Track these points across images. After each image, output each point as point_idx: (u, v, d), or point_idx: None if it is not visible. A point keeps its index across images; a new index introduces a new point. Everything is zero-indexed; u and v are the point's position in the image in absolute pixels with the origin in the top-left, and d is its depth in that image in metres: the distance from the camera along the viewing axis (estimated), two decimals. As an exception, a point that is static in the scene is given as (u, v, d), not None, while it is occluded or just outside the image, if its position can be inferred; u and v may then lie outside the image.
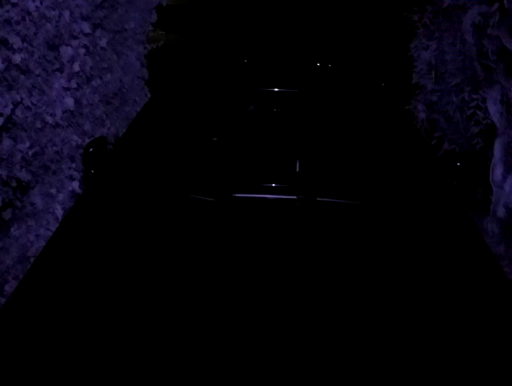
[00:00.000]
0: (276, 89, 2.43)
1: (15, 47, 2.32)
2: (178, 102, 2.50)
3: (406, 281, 1.53)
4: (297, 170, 2.07)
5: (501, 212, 3.12)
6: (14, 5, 2.30)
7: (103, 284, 1.49)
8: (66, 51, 2.72)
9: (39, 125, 2.55)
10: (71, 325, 1.34)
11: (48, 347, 1.28)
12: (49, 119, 2.62)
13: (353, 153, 2.15)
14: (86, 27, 2.84)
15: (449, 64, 3.39)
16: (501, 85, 3.05)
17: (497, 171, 3.15)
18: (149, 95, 3.89)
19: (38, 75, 2.53)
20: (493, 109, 3.11)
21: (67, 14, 2.67)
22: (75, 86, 2.81)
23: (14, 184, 2.40)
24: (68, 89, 2.78)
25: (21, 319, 1.38)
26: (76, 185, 2.92)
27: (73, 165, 2.94)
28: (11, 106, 2.31)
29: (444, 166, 2.17)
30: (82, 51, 2.86)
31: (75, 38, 2.81)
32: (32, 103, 2.48)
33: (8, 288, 2.51)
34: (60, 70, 2.73)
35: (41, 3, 2.47)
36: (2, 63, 2.24)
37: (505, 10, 2.87)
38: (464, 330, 1.39)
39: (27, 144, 2.44)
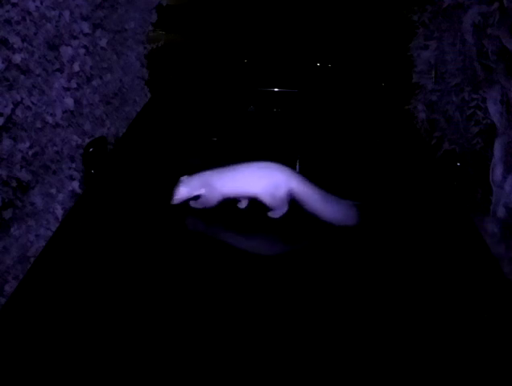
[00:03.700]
0: (276, 89, 2.43)
1: (15, 46, 2.32)
2: (178, 102, 2.50)
3: (406, 281, 1.53)
4: (297, 170, 2.07)
5: (501, 212, 3.12)
6: (14, 5, 2.30)
7: (103, 284, 1.49)
8: (66, 51, 2.72)
9: (39, 124, 2.55)
10: (71, 325, 1.34)
11: (48, 347, 1.28)
12: (49, 119, 2.62)
13: (353, 154, 2.15)
14: (86, 27, 2.84)
15: (449, 64, 3.39)
16: (501, 85, 3.04)
17: (497, 171, 3.15)
18: (149, 95, 3.89)
19: (38, 75, 2.53)
20: (493, 109, 3.10)
21: (67, 14, 2.67)
22: (75, 86, 2.81)
23: (14, 184, 2.40)
24: (68, 89, 2.78)
25: (21, 319, 1.38)
26: (76, 185, 2.92)
27: (73, 165, 2.94)
28: (11, 106, 2.31)
29: (444, 166, 2.17)
30: (82, 51, 2.86)
31: (75, 38, 2.81)
32: (32, 103, 2.48)
33: (8, 288, 2.51)
34: (60, 70, 2.73)
35: (41, 3, 2.47)
36: (2, 63, 2.24)
37: (504, 10, 2.87)
38: (465, 330, 1.39)
39: (27, 144, 2.44)
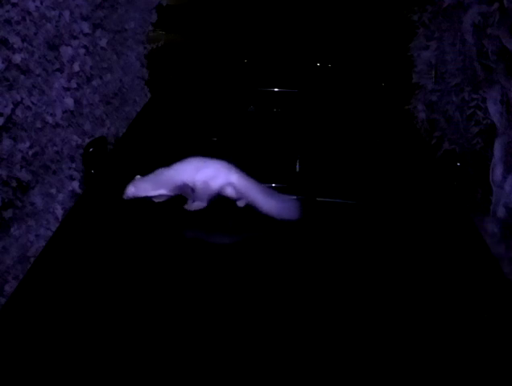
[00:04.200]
0: (276, 89, 2.43)
1: (15, 46, 2.32)
2: (178, 102, 2.50)
3: (406, 281, 1.53)
4: (297, 170, 2.07)
5: (501, 212, 3.12)
6: (14, 5, 2.30)
7: (103, 284, 1.49)
8: (66, 51, 2.72)
9: (39, 124, 2.55)
10: (71, 325, 1.34)
11: (48, 347, 1.28)
12: (49, 119, 2.62)
13: (353, 154, 2.15)
14: (86, 27, 2.84)
15: (449, 64, 3.39)
16: (501, 85, 3.04)
17: (497, 171, 3.15)
18: (149, 95, 3.89)
19: (38, 75, 2.53)
20: (493, 109, 3.10)
21: (67, 14, 2.67)
22: (75, 86, 2.81)
23: (14, 184, 2.40)
24: (68, 89, 2.77)
25: (21, 319, 1.38)
26: (76, 185, 2.92)
27: (73, 165, 2.93)
28: (11, 106, 2.31)
29: (444, 166, 2.17)
30: (82, 51, 2.86)
31: (75, 38, 2.81)
32: (32, 103, 2.48)
33: (8, 288, 2.51)
34: (60, 70, 2.73)
35: (41, 3, 2.47)
36: (2, 63, 2.24)
37: (504, 10, 2.87)
38: (464, 330, 1.39)
39: (27, 144, 2.44)
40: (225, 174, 1.77)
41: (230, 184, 1.76)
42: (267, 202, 1.75)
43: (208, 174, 1.77)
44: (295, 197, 1.80)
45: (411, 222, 1.81)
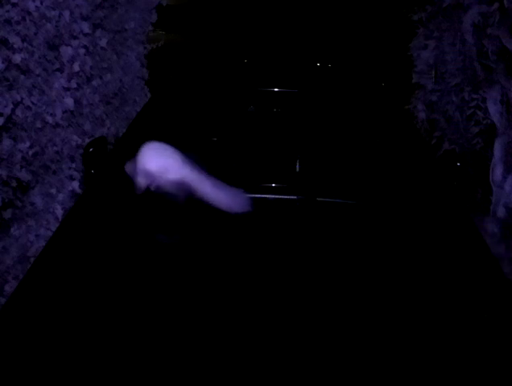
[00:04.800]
0: (276, 89, 2.43)
1: (15, 46, 2.32)
2: (178, 102, 2.50)
3: (406, 281, 1.53)
4: (297, 170, 2.07)
5: (501, 212, 3.12)
6: (14, 5, 2.30)
7: (103, 284, 1.49)
8: (66, 51, 2.72)
9: (39, 124, 2.55)
10: (71, 325, 1.34)
11: (48, 347, 1.28)
12: (49, 119, 2.62)
13: (353, 154, 2.15)
14: (86, 27, 2.84)
15: (449, 64, 3.39)
16: (501, 85, 3.04)
17: (497, 171, 3.15)
18: (149, 95, 3.89)
19: (38, 75, 2.53)
20: (493, 109, 3.10)
21: (67, 14, 2.67)
22: (75, 86, 2.81)
23: (14, 184, 2.40)
24: (68, 89, 2.77)
25: (21, 319, 1.38)
26: (76, 185, 2.92)
27: (73, 165, 2.93)
28: (11, 106, 2.31)
29: (444, 166, 2.17)
30: (82, 51, 2.86)
31: (75, 38, 2.81)
32: (32, 103, 2.48)
33: (8, 288, 2.51)
34: (60, 70, 2.73)
35: (41, 3, 2.47)
36: (2, 63, 2.24)
37: (505, 10, 2.87)
38: (464, 330, 1.39)
39: (27, 144, 2.44)
40: (178, 167, 1.76)
41: (182, 178, 1.75)
42: (217, 195, 1.74)
43: (160, 168, 1.77)
44: (243, 190, 1.79)
45: (411, 222, 1.81)
